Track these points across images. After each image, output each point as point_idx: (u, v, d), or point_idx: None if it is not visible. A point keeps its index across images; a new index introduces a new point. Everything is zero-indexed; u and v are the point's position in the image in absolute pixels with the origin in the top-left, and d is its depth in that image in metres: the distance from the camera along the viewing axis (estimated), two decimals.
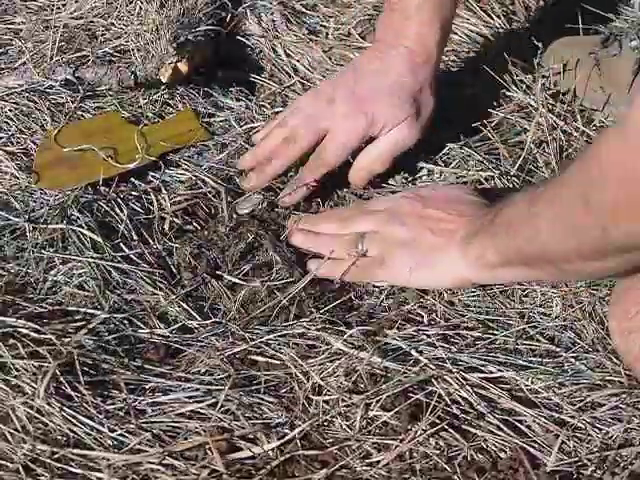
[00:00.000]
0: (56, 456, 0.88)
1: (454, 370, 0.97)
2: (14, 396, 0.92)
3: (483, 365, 0.99)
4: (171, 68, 1.32)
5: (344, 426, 0.93)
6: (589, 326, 1.06)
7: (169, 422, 0.93)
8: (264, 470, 0.88)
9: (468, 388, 0.96)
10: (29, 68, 1.35)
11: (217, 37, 1.42)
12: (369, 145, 1.20)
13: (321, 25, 1.50)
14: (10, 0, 1.50)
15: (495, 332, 1.06)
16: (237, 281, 1.11)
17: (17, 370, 0.94)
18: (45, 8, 1.47)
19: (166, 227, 1.19)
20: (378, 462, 0.90)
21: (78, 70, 1.34)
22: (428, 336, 1.04)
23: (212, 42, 1.41)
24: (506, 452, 0.91)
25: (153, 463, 0.88)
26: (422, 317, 1.08)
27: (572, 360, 1.01)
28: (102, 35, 1.42)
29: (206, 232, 1.17)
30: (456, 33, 1.46)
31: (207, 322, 1.06)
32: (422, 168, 1.27)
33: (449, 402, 0.94)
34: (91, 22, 1.44)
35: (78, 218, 1.14)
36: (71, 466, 0.88)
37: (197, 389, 0.96)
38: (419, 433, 0.91)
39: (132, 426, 0.92)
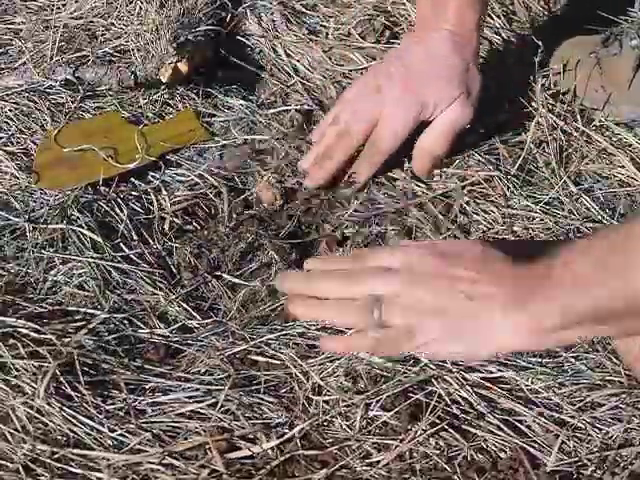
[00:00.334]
0: (56, 456, 0.88)
1: (454, 370, 0.97)
2: (14, 396, 0.92)
3: (483, 365, 0.99)
4: (171, 68, 1.32)
5: (344, 426, 0.93)
6: None
7: (169, 422, 0.93)
8: (264, 470, 0.88)
9: (468, 388, 0.96)
10: (29, 68, 1.35)
11: (217, 37, 1.42)
12: (426, 129, 1.20)
13: (321, 25, 1.50)
14: (10, 0, 1.50)
15: None
16: (237, 281, 1.12)
17: (17, 370, 0.94)
18: (45, 8, 1.48)
19: (166, 227, 1.19)
20: (378, 462, 0.90)
21: (78, 70, 1.34)
22: None
23: (212, 42, 1.41)
24: (506, 452, 0.91)
25: (153, 463, 0.88)
26: None
27: (572, 360, 1.01)
28: (102, 35, 1.42)
29: (206, 232, 1.17)
30: None
31: (207, 322, 1.06)
32: None
33: (449, 402, 0.94)
34: (91, 22, 1.44)
35: (78, 218, 1.14)
36: (71, 466, 0.88)
37: (197, 389, 0.96)
38: (419, 433, 0.91)
39: (132, 426, 0.92)
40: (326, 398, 0.95)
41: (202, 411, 0.94)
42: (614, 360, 1.00)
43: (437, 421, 0.92)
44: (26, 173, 1.22)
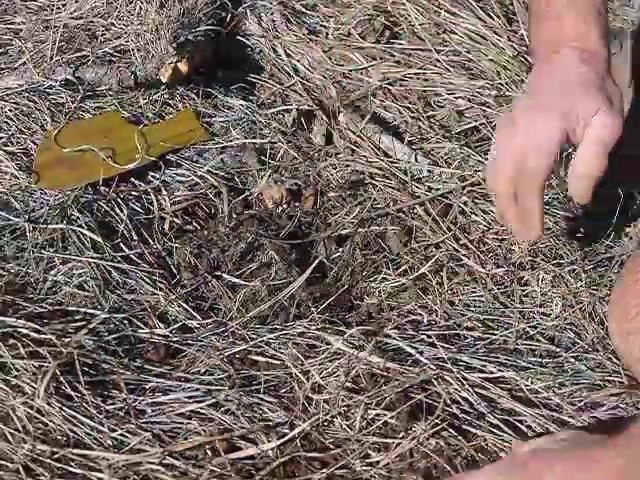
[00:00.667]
0: (56, 456, 0.88)
1: (454, 370, 0.97)
2: (14, 396, 0.92)
3: (483, 365, 0.99)
4: (171, 68, 1.32)
5: (344, 426, 0.93)
6: (589, 326, 1.06)
7: (169, 422, 0.93)
8: (264, 470, 0.88)
9: (468, 388, 0.96)
10: (29, 68, 1.35)
11: (217, 37, 1.42)
12: (576, 152, 1.09)
13: (321, 25, 1.50)
14: (10, 0, 1.50)
15: (495, 332, 1.06)
16: (237, 281, 1.12)
17: (17, 370, 0.94)
18: (45, 8, 1.47)
19: (166, 227, 1.19)
20: (378, 462, 0.90)
21: (78, 70, 1.34)
22: (428, 336, 1.04)
23: (212, 42, 1.41)
24: (506, 452, 0.91)
25: (153, 463, 0.88)
26: (422, 317, 1.08)
27: (572, 360, 1.01)
28: (102, 35, 1.42)
29: (206, 232, 1.17)
30: (456, 33, 1.46)
31: (207, 322, 1.06)
32: (422, 168, 1.27)
33: (449, 402, 0.94)
34: (91, 22, 1.44)
35: (78, 218, 1.14)
36: (71, 466, 0.88)
37: (197, 389, 0.96)
38: (419, 433, 0.91)
39: (132, 426, 0.92)
40: (326, 398, 0.95)
41: (202, 411, 0.94)
42: (614, 360, 1.00)
43: (437, 421, 0.92)
44: (26, 173, 1.22)
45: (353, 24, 1.48)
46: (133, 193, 1.21)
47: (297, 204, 1.23)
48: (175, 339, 1.03)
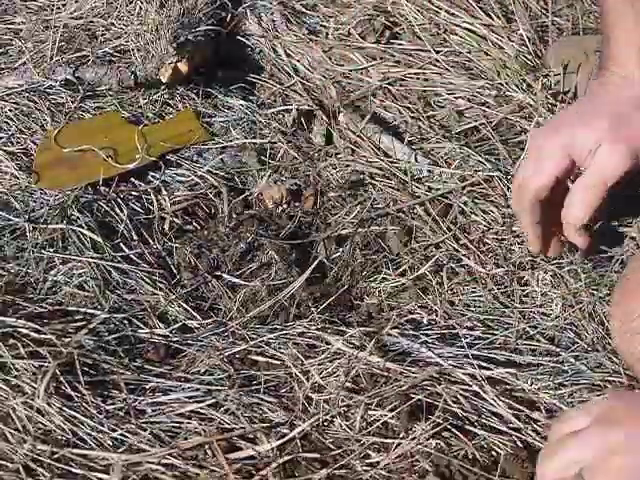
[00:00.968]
0: (56, 456, 0.88)
1: (454, 370, 0.97)
2: (14, 396, 0.92)
3: (483, 365, 0.99)
4: (171, 68, 1.32)
5: (344, 426, 0.93)
6: (589, 326, 1.06)
7: (169, 422, 0.93)
8: (264, 470, 0.88)
9: (468, 388, 0.96)
10: (29, 68, 1.35)
11: (217, 37, 1.42)
12: (577, 180, 1.05)
13: (321, 25, 1.50)
14: (10, 0, 1.50)
15: (495, 332, 1.06)
16: (237, 281, 1.12)
17: (17, 370, 0.94)
18: (45, 8, 1.48)
19: (166, 227, 1.19)
20: (378, 462, 0.90)
21: (78, 70, 1.34)
22: (428, 336, 1.04)
23: (212, 42, 1.41)
24: (507, 451, 0.91)
25: (153, 463, 0.88)
26: (422, 317, 1.08)
27: (572, 360, 1.01)
28: (102, 35, 1.42)
29: (206, 232, 1.17)
30: (456, 33, 1.46)
31: (207, 322, 1.06)
32: (422, 168, 1.27)
33: (449, 402, 0.94)
34: (91, 22, 1.45)
35: (78, 218, 1.14)
36: (71, 466, 0.88)
37: (197, 389, 0.96)
38: (419, 433, 0.91)
39: (132, 426, 0.92)
40: (326, 398, 0.95)
41: (202, 411, 0.94)
42: (614, 360, 1.00)
43: (438, 421, 0.92)
44: (26, 173, 1.22)
45: (353, 24, 1.48)
46: (133, 193, 1.21)
47: (297, 204, 1.23)
48: (175, 339, 1.03)
